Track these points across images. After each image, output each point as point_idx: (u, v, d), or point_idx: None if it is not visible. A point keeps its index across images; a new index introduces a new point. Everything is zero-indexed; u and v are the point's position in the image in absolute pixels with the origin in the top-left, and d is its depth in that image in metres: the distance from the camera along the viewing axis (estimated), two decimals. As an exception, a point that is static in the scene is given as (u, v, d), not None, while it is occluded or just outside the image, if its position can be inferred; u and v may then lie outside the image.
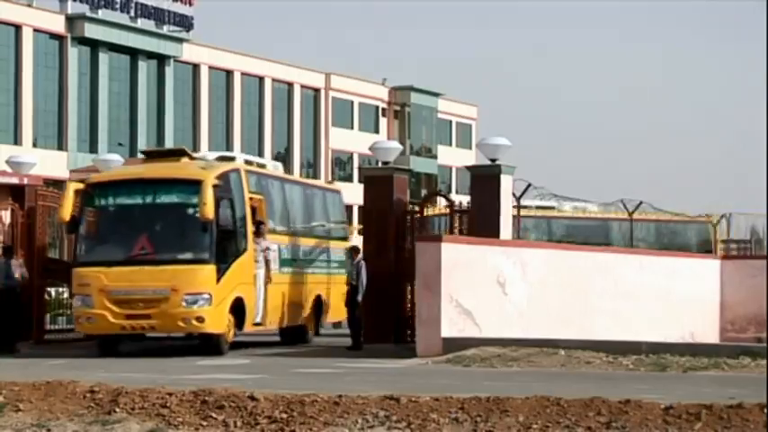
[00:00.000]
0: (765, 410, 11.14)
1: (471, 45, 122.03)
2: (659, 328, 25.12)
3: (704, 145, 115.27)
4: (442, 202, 25.19)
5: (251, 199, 22.06)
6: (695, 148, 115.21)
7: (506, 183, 23.53)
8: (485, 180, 23.52)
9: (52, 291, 28.33)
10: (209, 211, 20.40)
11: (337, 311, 25.27)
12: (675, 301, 27.45)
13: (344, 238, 27.30)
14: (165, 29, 63.19)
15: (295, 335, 24.43)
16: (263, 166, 24.89)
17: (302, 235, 24.73)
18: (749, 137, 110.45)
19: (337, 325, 27.48)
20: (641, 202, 31.53)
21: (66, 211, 21.15)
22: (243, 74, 69.28)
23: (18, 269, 22.89)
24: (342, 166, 77.60)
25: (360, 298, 22.92)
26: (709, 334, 27.71)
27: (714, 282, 29.07)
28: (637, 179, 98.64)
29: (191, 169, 21.71)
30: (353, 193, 65.52)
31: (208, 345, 21.23)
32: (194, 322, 20.64)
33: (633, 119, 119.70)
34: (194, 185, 20.74)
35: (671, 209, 34.96)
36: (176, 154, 22.88)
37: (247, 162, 23.69)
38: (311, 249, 25.14)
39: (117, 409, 12.19)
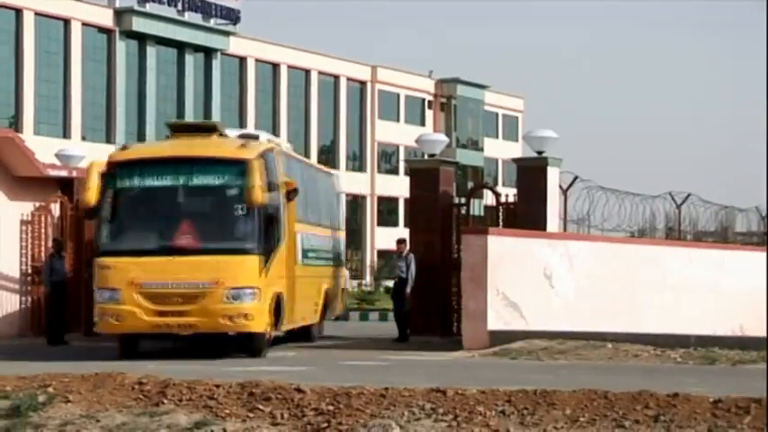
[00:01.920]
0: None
1: (518, 37, 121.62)
2: (708, 321, 24.94)
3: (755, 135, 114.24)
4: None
5: (285, 183, 19.82)
6: (747, 139, 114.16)
7: (553, 175, 23.43)
8: (531, 172, 23.44)
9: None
10: (258, 195, 18.40)
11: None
12: (724, 293, 27.24)
13: (342, 229, 25.69)
14: (212, 22, 63.43)
15: (300, 333, 22.17)
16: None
17: (318, 224, 23.04)
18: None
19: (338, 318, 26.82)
20: (689, 194, 31.21)
21: (93, 194, 18.73)
22: (289, 67, 69.41)
23: (62, 263, 23.09)
24: (387, 158, 77.58)
25: (408, 290, 22.92)
26: (758, 327, 27.47)
27: (763, 274, 28.79)
28: (686, 171, 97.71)
29: (230, 148, 19.44)
30: (399, 186, 65.64)
31: (248, 345, 19.09)
32: (239, 320, 18.49)
33: (682, 109, 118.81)
34: (240, 166, 18.62)
35: (721, 201, 34.58)
36: (206, 129, 20.56)
37: (269, 141, 21.32)
38: (326, 240, 23.59)
39: (165, 401, 12.25)
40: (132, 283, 18.41)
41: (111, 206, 18.85)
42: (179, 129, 20.98)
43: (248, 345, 19.08)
